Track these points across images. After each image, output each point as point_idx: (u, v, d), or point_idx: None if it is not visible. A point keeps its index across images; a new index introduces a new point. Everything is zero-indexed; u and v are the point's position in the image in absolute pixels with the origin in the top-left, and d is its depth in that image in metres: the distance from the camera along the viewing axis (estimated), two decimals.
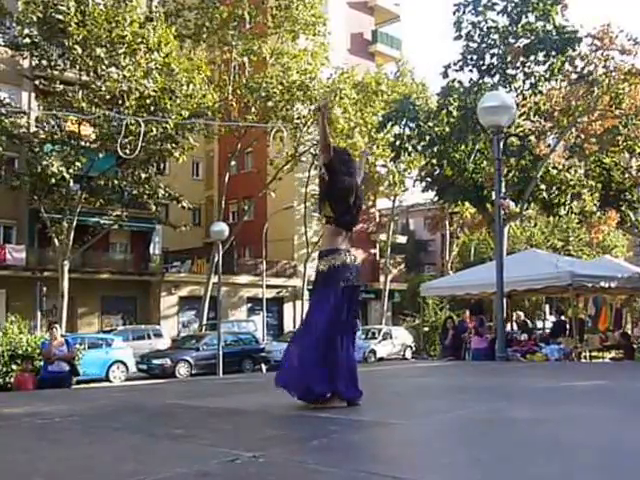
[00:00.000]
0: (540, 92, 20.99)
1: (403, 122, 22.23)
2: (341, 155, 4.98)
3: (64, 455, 3.52)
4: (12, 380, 14.52)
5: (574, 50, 20.41)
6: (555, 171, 21.78)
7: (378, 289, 45.40)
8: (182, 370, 24.79)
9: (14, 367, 15.96)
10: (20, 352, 16.85)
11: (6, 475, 3.06)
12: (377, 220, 48.49)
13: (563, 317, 18.35)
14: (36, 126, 29.20)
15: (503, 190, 13.30)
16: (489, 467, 3.09)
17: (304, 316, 4.93)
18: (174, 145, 27.44)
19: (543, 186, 21.41)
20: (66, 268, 28.08)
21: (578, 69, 20.93)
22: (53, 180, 25.83)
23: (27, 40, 26.96)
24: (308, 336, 4.69)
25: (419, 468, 3.14)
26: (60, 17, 25.32)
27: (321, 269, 4.72)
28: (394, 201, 44.27)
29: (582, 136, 22.04)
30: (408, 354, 32.50)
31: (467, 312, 17.38)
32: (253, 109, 32.78)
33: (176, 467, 3.05)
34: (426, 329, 31.27)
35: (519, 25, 20.81)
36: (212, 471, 2.98)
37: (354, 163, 5.07)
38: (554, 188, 21.73)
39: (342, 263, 4.68)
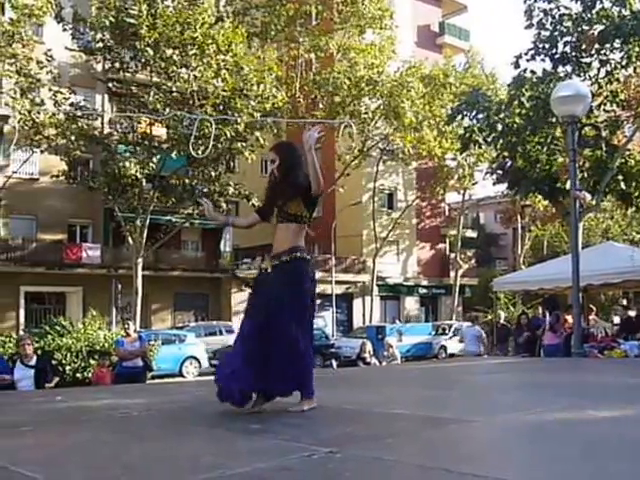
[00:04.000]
0: (617, 80, 20.35)
1: (473, 114, 21.89)
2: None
3: (144, 448, 3.58)
4: (90, 375, 14.93)
5: None
6: (634, 161, 21.09)
7: (448, 284, 44.99)
8: None
9: (92, 362, 16.41)
10: (98, 348, 17.34)
11: (90, 468, 3.13)
12: (447, 214, 48.01)
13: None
14: (110, 127, 29.93)
15: (578, 182, 12.95)
16: (570, 464, 3.02)
17: (266, 306, 4.48)
18: (244, 144, 27.74)
19: (620, 177, 20.76)
20: (140, 266, 28.70)
21: None
22: (128, 180, 26.48)
23: (100, 44, 27.60)
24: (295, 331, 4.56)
25: (499, 465, 3.08)
26: (132, 21, 25.87)
27: (297, 256, 4.56)
28: (464, 195, 43.73)
29: None
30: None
31: (540, 308, 17.11)
32: (320, 105, 32.88)
33: (255, 462, 3.06)
34: (498, 325, 30.83)
35: (593, 11, 20.20)
36: (291, 466, 2.98)
37: None
38: (633, 179, 21.03)
39: (310, 261, 4.68)
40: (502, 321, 17.68)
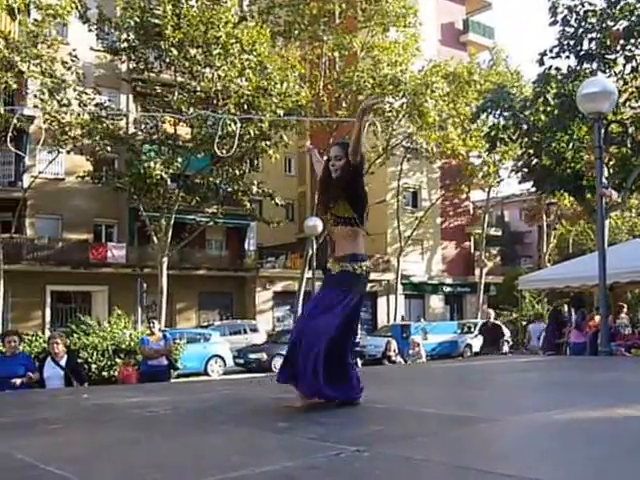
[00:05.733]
0: None
1: (498, 112, 21.77)
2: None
3: (173, 446, 3.60)
4: (116, 374, 15.05)
5: None
6: None
7: (473, 283, 44.73)
8: (278, 364, 24.86)
9: (118, 361, 16.54)
10: (123, 347, 17.49)
11: (120, 466, 3.15)
12: (471, 212, 47.75)
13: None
14: (134, 127, 30.12)
15: (604, 179, 12.82)
16: (602, 465, 2.99)
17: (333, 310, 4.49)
18: (268, 143, 27.79)
19: None
20: (165, 265, 28.86)
21: None
22: (153, 180, 26.63)
23: (125, 44, 27.84)
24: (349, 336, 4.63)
25: (529, 464, 3.05)
26: (156, 21, 26.04)
27: (359, 272, 4.57)
28: (488, 192, 43.43)
29: None
30: (505, 348, 31.90)
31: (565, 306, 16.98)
32: (344, 103, 32.82)
33: (282, 460, 3.06)
34: (524, 323, 30.67)
35: (617, 7, 19.99)
36: (318, 465, 2.98)
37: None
38: None
39: (369, 269, 4.66)
40: (492, 320, 17.39)
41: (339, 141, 5.05)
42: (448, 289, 45.55)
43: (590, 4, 20.32)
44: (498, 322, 17.75)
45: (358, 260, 4.59)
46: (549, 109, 20.50)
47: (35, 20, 26.05)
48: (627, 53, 20.15)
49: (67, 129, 26.47)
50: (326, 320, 4.43)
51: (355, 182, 4.62)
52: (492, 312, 17.76)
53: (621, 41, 19.83)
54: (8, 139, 17.42)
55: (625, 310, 16.45)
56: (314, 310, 4.59)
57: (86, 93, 26.62)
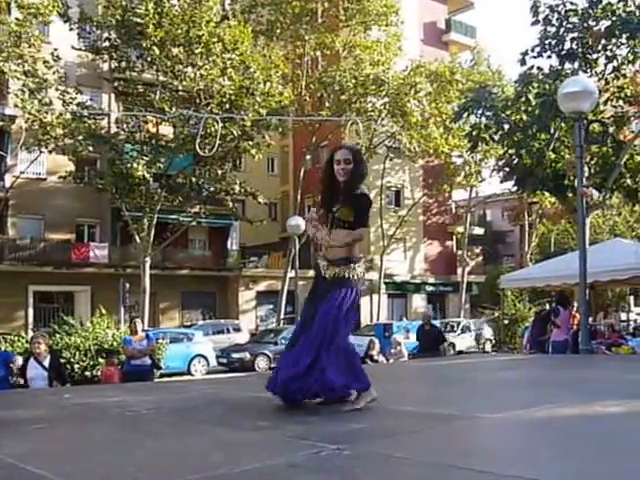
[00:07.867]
0: (624, 76, 20.28)
1: (480, 111, 21.82)
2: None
3: (155, 445, 3.60)
4: (99, 373, 14.98)
5: None
6: None
7: (455, 282, 44.91)
8: (261, 364, 25.08)
9: (100, 361, 16.47)
10: (106, 346, 17.42)
11: (102, 465, 3.15)
12: (453, 212, 47.92)
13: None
14: (116, 127, 30.00)
15: (585, 179, 12.91)
16: (582, 461, 3.03)
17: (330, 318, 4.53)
18: (250, 143, 27.76)
19: (627, 173, 20.71)
20: (147, 265, 28.76)
21: None
22: (135, 180, 26.52)
23: (106, 43, 27.69)
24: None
25: (509, 462, 3.08)
26: (138, 20, 25.91)
27: (352, 277, 4.60)
28: (470, 192, 43.65)
29: None
30: (487, 347, 32.10)
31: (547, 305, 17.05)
32: (327, 103, 32.84)
33: (264, 459, 3.08)
34: (506, 322, 30.82)
35: (599, 7, 20.12)
36: (299, 463, 3.00)
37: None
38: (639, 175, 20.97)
39: (363, 273, 4.70)
40: (432, 322, 17.00)
41: (347, 145, 5.00)
42: (430, 288, 45.67)
43: (572, 4, 20.41)
44: (435, 324, 17.52)
45: (353, 262, 4.60)
46: (530, 109, 20.59)
47: (17, 19, 25.85)
48: (608, 53, 20.28)
49: (49, 129, 26.28)
50: (326, 323, 4.49)
51: (360, 189, 4.65)
52: (429, 313, 17.46)
53: (602, 41, 19.96)
54: None
55: (613, 310, 16.63)
56: (310, 318, 4.63)
57: (68, 92, 26.44)
